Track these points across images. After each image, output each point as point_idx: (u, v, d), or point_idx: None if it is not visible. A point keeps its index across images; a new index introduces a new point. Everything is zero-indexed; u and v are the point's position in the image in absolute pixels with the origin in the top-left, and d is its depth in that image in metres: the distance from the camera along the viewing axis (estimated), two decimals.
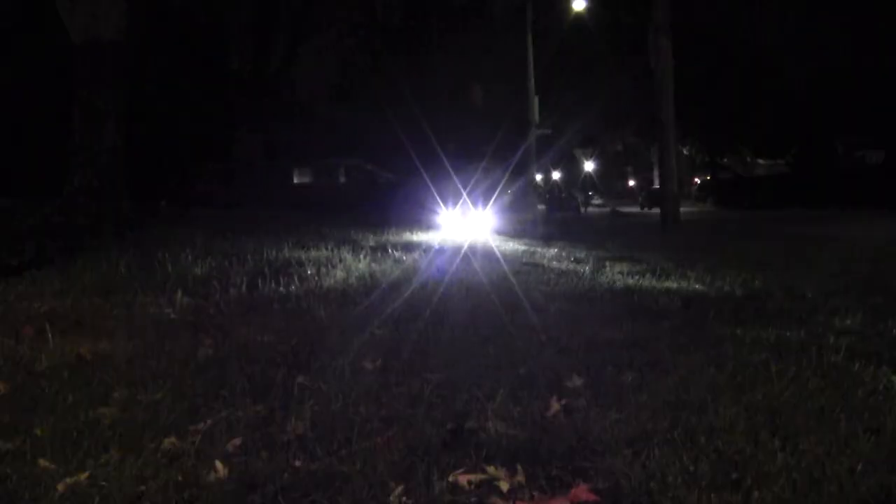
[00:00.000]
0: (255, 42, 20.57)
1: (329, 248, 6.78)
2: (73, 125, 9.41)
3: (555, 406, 2.38)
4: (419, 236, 9.00)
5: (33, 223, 7.99)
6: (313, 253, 6.42)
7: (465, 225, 10.42)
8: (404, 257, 6.50)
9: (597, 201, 44.71)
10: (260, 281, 4.88)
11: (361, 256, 6.33)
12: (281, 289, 4.71)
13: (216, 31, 21.33)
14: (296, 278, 5.06)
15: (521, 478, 1.88)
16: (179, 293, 4.35)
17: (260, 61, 20.46)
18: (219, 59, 21.17)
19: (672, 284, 5.40)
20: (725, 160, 42.88)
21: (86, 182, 9.04)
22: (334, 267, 5.68)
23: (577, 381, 2.68)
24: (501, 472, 1.90)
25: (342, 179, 22.20)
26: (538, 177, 27.00)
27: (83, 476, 1.84)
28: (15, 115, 17.51)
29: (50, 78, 16.26)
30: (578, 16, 23.68)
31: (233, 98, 20.80)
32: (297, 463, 1.96)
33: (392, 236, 8.77)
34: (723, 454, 2.02)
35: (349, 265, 5.81)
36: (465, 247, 7.32)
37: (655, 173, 36.73)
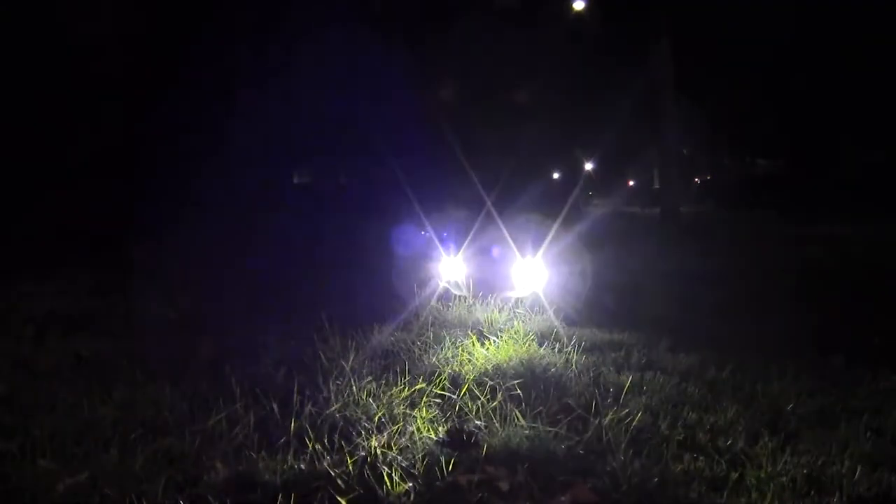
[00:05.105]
0: (255, 41, 20.59)
1: None
2: (74, 125, 9.42)
3: (555, 406, 2.38)
4: None
5: (34, 224, 8.00)
6: None
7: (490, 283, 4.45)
8: None
9: (597, 201, 44.72)
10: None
11: None
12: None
13: (215, 30, 21.34)
14: None
15: (521, 478, 1.88)
16: (179, 293, 4.35)
17: (259, 60, 20.46)
18: (218, 59, 21.18)
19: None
20: (725, 160, 42.85)
21: (87, 183, 9.05)
22: None
23: (577, 381, 2.68)
24: (501, 472, 1.90)
25: (342, 181, 22.12)
26: None
27: (83, 476, 1.84)
28: (15, 115, 17.49)
29: (50, 78, 16.24)
30: (579, 14, 23.60)
31: (232, 97, 20.82)
32: (297, 463, 1.96)
33: None
34: (723, 454, 2.02)
35: None
36: None
37: (655, 173, 36.68)
